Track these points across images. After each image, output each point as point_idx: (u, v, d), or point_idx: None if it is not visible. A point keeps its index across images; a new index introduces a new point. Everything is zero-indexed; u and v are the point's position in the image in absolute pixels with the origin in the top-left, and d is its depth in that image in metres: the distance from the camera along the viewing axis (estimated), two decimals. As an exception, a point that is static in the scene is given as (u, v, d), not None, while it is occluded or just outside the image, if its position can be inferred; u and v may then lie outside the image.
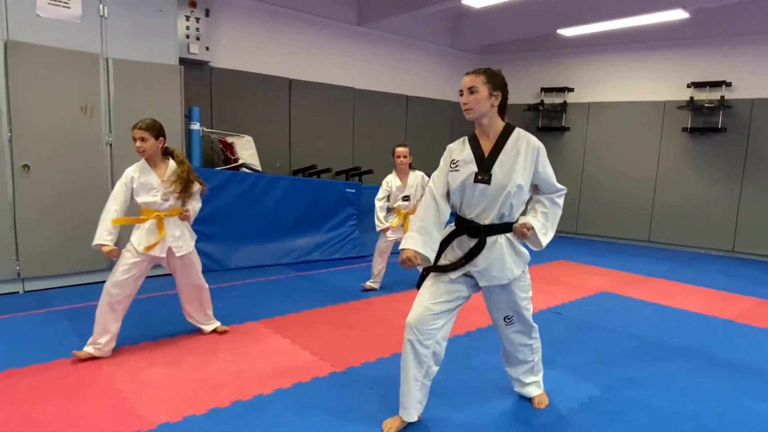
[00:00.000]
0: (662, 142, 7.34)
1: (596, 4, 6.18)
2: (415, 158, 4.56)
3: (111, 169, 4.49)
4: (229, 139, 5.63)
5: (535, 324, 2.46)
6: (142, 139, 2.97)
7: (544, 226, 2.28)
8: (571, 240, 7.79)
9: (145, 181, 3.02)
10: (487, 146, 2.24)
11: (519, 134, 2.24)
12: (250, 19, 6.07)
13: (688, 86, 6.99)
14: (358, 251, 6.07)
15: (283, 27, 6.37)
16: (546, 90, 8.17)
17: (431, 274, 2.30)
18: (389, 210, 4.57)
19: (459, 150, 2.29)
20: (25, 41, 4.03)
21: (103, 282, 3.03)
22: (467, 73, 2.24)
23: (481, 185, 2.19)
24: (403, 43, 7.69)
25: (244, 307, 4.01)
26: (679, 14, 5.94)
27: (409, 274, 4.53)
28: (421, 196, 4.27)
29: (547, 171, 2.26)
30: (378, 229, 4.51)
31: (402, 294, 4.54)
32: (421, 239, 2.20)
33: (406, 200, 4.49)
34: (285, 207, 5.65)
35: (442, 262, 2.29)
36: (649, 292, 4.87)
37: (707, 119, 6.93)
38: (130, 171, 3.04)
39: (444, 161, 2.32)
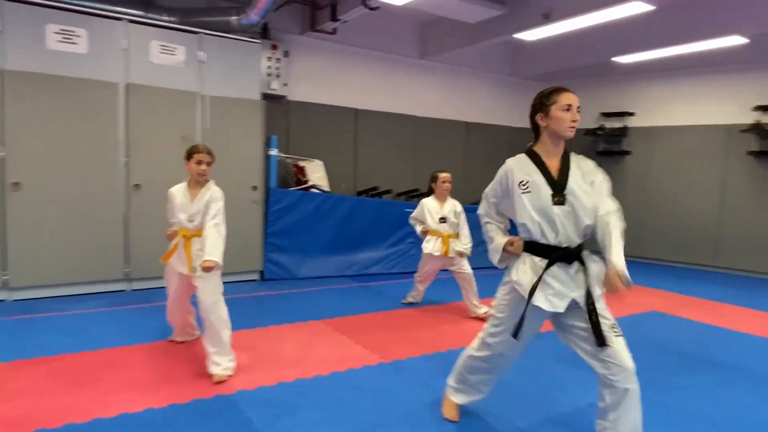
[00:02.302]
0: (727, 165, 7.25)
1: (648, 33, 6.32)
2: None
3: (203, 189, 5.24)
4: (302, 163, 6.33)
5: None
6: (208, 164, 3.06)
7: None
8: (632, 264, 7.73)
9: (180, 202, 3.12)
10: (554, 166, 2.19)
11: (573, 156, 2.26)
12: (322, 57, 6.81)
13: (754, 109, 6.92)
14: (416, 267, 6.45)
15: (351, 63, 7.07)
16: (606, 114, 8.31)
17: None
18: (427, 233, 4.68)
19: (523, 169, 2.22)
20: (140, 83, 4.91)
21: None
22: (569, 91, 2.18)
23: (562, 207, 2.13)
24: (463, 72, 8.15)
25: (309, 309, 4.56)
26: (736, 40, 5.98)
27: (445, 291, 4.86)
28: (457, 224, 4.57)
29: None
30: (417, 231, 4.73)
31: (447, 305, 4.95)
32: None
33: (443, 222, 4.60)
34: (349, 224, 6.22)
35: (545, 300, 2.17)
36: (704, 314, 4.86)
37: (775, 142, 6.81)
38: (173, 191, 3.17)
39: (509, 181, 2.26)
